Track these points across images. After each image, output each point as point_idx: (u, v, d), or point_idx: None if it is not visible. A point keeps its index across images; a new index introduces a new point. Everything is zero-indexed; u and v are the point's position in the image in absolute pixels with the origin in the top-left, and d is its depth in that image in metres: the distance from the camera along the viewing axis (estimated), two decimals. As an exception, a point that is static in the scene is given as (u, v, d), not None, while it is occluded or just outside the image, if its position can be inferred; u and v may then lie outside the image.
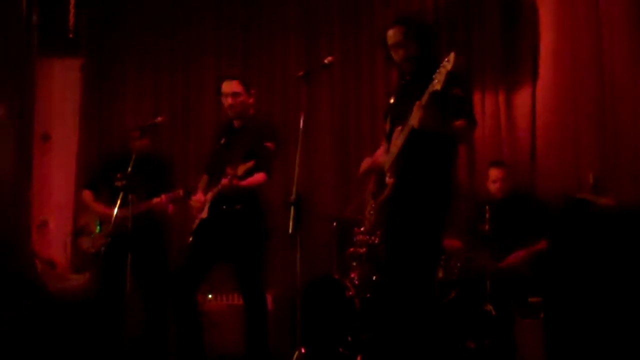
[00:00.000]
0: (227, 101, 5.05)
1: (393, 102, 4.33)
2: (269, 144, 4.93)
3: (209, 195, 4.95)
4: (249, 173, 4.79)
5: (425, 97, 3.80)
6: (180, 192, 5.23)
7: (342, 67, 6.82)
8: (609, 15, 5.34)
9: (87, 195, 5.65)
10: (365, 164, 4.42)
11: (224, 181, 4.74)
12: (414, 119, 3.83)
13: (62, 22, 6.93)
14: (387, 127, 4.30)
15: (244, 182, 4.83)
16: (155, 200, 5.36)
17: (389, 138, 4.23)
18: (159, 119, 5.41)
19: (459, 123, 3.95)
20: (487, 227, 5.38)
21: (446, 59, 3.71)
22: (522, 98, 6.41)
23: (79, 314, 5.66)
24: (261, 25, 7.19)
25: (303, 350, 5.09)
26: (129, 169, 5.09)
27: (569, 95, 5.77)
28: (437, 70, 3.73)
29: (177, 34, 7.22)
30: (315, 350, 5.48)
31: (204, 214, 4.95)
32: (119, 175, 5.34)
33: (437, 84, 3.71)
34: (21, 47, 6.78)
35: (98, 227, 5.47)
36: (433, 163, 4.05)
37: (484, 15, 6.60)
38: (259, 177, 4.89)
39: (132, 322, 5.28)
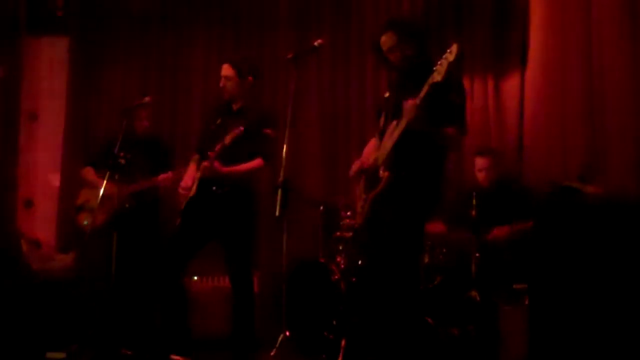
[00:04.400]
0: (221, 82, 5.07)
1: (388, 97, 4.34)
2: (268, 131, 4.94)
3: (198, 174, 4.95)
4: (239, 146, 4.78)
5: (424, 90, 3.85)
6: (182, 171, 5.26)
7: (332, 52, 6.80)
8: (599, 3, 5.33)
9: (89, 171, 5.66)
10: (356, 165, 4.43)
11: (205, 164, 4.78)
12: (407, 116, 3.91)
13: (51, 0, 6.88)
14: (382, 121, 4.33)
15: (239, 167, 4.85)
16: (162, 176, 5.38)
17: (382, 133, 4.25)
18: (147, 98, 5.41)
19: (449, 130, 4.02)
20: (473, 214, 5.39)
21: (449, 50, 3.77)
22: (510, 86, 6.43)
23: (64, 294, 5.65)
24: (252, 9, 7.14)
25: (288, 334, 5.12)
26: (121, 149, 5.10)
27: (557, 83, 5.78)
28: (439, 62, 3.78)
29: (167, 13, 7.15)
30: (300, 333, 5.49)
31: (192, 192, 4.95)
32: (121, 154, 5.35)
33: (437, 75, 3.77)
34: (8, 24, 6.73)
35: (101, 203, 5.45)
36: (427, 160, 4.11)
37: (475, 3, 6.59)
38: (256, 162, 4.91)
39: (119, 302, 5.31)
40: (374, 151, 4.35)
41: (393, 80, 4.49)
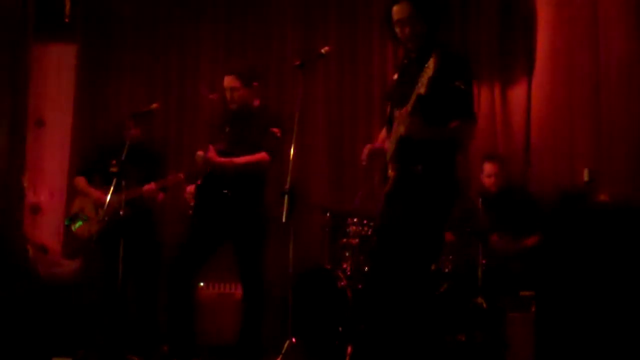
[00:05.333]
0: (227, 96, 5.06)
1: (395, 82, 4.14)
2: (275, 130, 4.95)
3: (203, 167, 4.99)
4: (244, 142, 4.87)
5: (411, 101, 3.66)
6: (181, 175, 5.26)
7: (338, 58, 6.80)
8: (605, 11, 5.33)
9: (81, 181, 5.67)
10: (367, 150, 4.19)
11: (199, 152, 4.83)
12: (403, 124, 3.72)
13: (58, 7, 6.89)
14: (388, 109, 4.13)
15: (238, 159, 4.86)
16: (146, 187, 5.39)
17: (389, 121, 4.08)
18: (154, 105, 5.43)
19: (452, 124, 3.77)
20: (481, 220, 5.39)
21: (426, 65, 3.55)
22: (517, 92, 6.43)
23: (70, 299, 5.66)
24: (258, 14, 7.14)
25: (294, 341, 5.10)
26: (123, 157, 5.10)
27: (564, 90, 5.78)
28: (420, 74, 3.57)
29: (174, 20, 7.16)
30: (306, 340, 5.48)
31: (198, 181, 5.00)
32: (113, 162, 5.37)
33: (421, 87, 3.57)
34: (16, 31, 6.74)
35: (95, 211, 5.48)
36: (435, 155, 3.87)
37: (481, 9, 6.60)
38: (259, 155, 4.90)
39: (124, 308, 5.32)
40: (386, 140, 4.14)
41: (401, 64, 4.21)
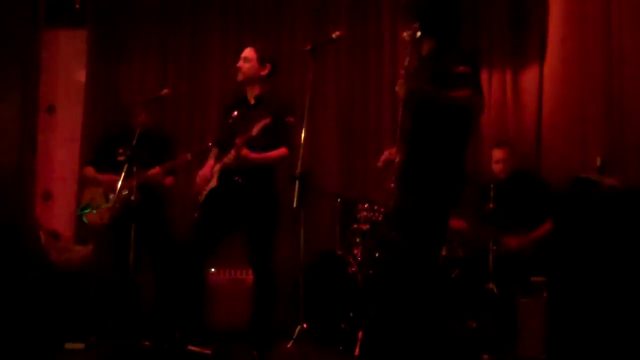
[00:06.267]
0: (239, 62, 5.09)
1: None
2: (290, 119, 4.94)
3: (218, 166, 4.95)
4: (264, 136, 4.78)
5: (401, 75, 3.79)
6: (188, 155, 5.26)
7: (349, 43, 6.77)
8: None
9: (89, 170, 5.69)
10: (384, 156, 4.25)
11: (231, 154, 4.77)
12: (401, 93, 3.80)
13: (69, -7, 6.90)
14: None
15: (264, 155, 4.85)
16: (151, 171, 5.41)
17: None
18: (165, 91, 5.42)
19: (462, 92, 3.76)
20: (491, 206, 5.38)
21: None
22: (529, 78, 6.40)
23: (82, 285, 5.69)
24: (269, 1, 7.13)
25: (305, 326, 5.11)
26: (134, 143, 5.10)
27: (576, 76, 5.74)
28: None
29: (184, 6, 7.16)
30: (317, 326, 5.50)
31: (214, 183, 4.96)
32: (120, 151, 5.39)
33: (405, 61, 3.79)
34: (27, 18, 6.74)
35: (105, 200, 5.51)
36: (436, 140, 3.90)
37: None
38: (280, 151, 4.90)
39: (136, 294, 5.35)
40: None
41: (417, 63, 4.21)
